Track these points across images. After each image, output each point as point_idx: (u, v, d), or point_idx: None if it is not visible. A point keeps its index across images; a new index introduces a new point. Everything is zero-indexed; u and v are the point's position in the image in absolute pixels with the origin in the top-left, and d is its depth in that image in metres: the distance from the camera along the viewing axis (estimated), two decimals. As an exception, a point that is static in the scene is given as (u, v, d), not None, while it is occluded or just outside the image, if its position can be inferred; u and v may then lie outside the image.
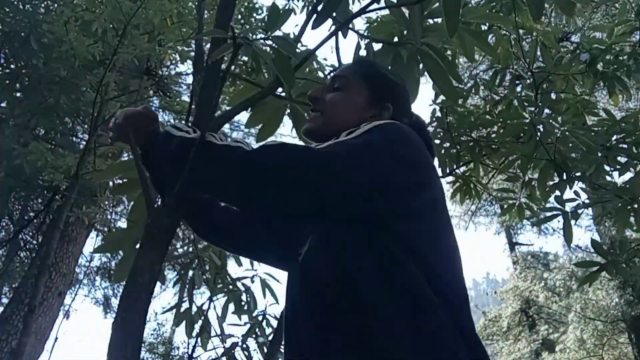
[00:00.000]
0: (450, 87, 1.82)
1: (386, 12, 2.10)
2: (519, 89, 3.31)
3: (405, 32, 1.85)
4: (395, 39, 1.92)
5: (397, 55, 1.84)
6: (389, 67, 1.89)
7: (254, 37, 1.35)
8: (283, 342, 1.06)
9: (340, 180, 0.93)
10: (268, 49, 1.52)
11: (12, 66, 5.04)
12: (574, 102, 2.90)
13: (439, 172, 3.38)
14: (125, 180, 2.08)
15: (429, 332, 0.82)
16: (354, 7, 2.20)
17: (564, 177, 2.73)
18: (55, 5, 4.57)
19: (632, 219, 2.81)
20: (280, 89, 1.72)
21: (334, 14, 1.77)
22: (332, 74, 1.22)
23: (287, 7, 4.84)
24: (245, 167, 0.95)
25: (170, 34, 4.63)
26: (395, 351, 0.80)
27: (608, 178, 2.78)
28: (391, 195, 0.94)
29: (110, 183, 5.76)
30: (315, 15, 1.66)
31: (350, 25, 2.03)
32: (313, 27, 1.69)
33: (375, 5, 1.79)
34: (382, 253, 0.89)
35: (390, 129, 1.00)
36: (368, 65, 1.30)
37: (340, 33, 1.96)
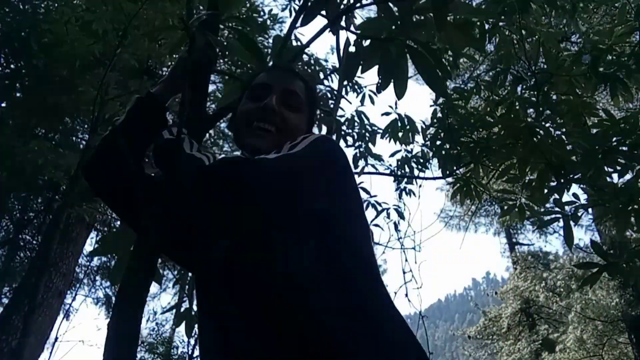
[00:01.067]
0: (438, 81, 1.81)
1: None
2: (519, 89, 3.30)
3: (393, 28, 1.85)
4: (384, 36, 1.92)
5: (386, 51, 1.84)
6: (378, 64, 1.89)
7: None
8: (202, 347, 0.98)
9: (290, 193, 0.97)
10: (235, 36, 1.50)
11: (12, 66, 5.04)
12: (574, 104, 2.89)
13: (440, 173, 3.37)
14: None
15: (383, 334, 0.84)
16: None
17: (562, 180, 2.73)
18: (56, 5, 4.56)
19: (632, 219, 2.81)
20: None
21: (324, 12, 1.77)
22: (284, 88, 1.20)
23: (287, 9, 4.82)
24: (200, 177, 1.01)
25: (171, 34, 4.61)
26: (346, 347, 0.80)
27: (607, 178, 2.78)
28: (334, 200, 1.01)
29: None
30: (304, 13, 1.65)
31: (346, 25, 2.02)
32: (302, 24, 1.68)
33: (364, 2, 1.79)
34: (327, 254, 0.91)
35: (325, 141, 1.10)
36: (314, 89, 1.32)
37: (326, 29, 1.96)
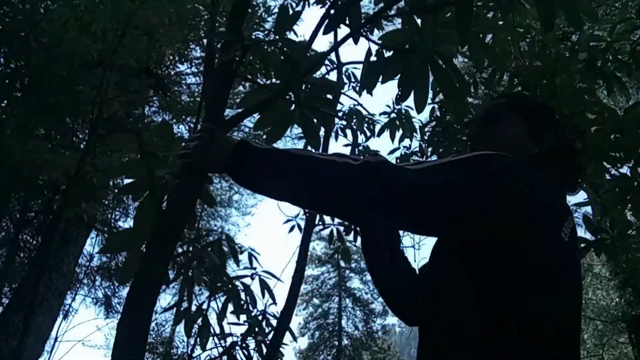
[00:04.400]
0: (457, 95, 1.84)
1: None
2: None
3: (416, 40, 1.86)
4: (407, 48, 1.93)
5: (408, 62, 1.85)
6: (399, 75, 1.89)
7: (264, 39, 1.37)
8: None
9: (428, 208, 0.97)
10: (276, 50, 1.52)
11: (12, 66, 5.04)
12: (573, 100, 2.89)
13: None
14: (132, 180, 2.09)
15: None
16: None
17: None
18: (55, 5, 4.57)
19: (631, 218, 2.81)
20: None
21: (346, 21, 1.78)
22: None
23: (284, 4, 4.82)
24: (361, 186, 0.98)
25: (170, 34, 4.61)
26: None
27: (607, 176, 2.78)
28: (478, 226, 0.96)
29: (111, 182, 5.75)
30: (327, 21, 1.67)
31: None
32: (324, 33, 1.70)
33: (388, 13, 1.80)
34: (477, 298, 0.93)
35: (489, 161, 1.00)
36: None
37: (348, 39, 1.96)
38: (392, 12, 1.88)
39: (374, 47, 1.95)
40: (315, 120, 1.93)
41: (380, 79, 1.96)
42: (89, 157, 4.27)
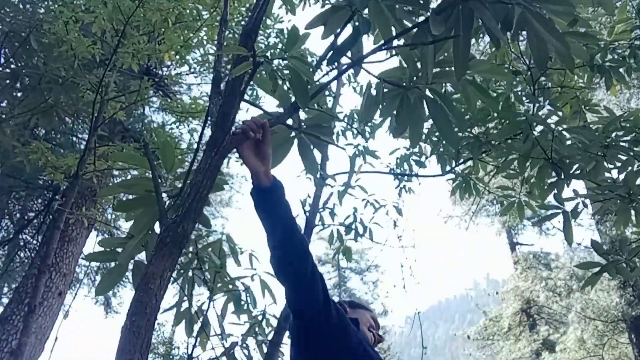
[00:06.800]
0: (452, 133, 1.94)
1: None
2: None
3: (414, 78, 1.95)
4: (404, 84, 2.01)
5: (404, 98, 1.94)
6: (396, 110, 1.97)
7: (275, 55, 1.41)
8: None
9: None
10: (285, 69, 1.57)
11: (12, 66, 5.04)
12: (572, 97, 2.90)
13: (439, 169, 3.37)
14: (130, 196, 2.11)
15: None
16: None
17: (562, 176, 2.74)
18: (56, 5, 4.57)
19: (633, 218, 2.80)
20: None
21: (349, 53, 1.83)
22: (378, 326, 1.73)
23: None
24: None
25: (171, 35, 4.61)
26: None
27: (607, 174, 2.78)
28: None
29: (110, 183, 5.75)
30: (331, 54, 1.72)
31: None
32: (328, 64, 1.77)
33: (388, 45, 1.85)
34: None
35: None
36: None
37: (348, 70, 2.01)
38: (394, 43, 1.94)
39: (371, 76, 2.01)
40: (312, 147, 2.00)
41: (378, 115, 2.07)
42: (89, 157, 4.28)
